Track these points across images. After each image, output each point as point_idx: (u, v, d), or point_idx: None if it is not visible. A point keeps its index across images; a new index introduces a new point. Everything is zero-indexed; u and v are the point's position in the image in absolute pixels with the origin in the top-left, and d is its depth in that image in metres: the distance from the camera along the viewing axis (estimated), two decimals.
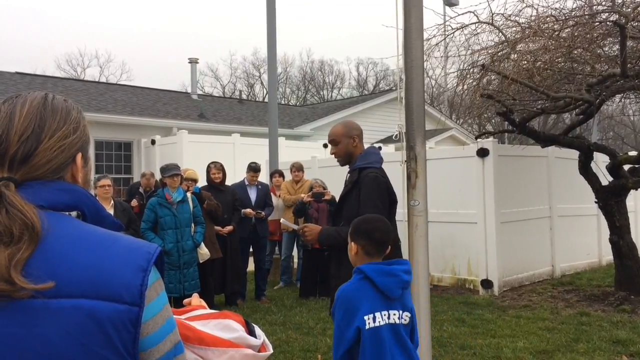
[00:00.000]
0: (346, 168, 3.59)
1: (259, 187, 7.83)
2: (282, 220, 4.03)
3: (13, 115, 1.04)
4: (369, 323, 2.39)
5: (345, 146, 3.44)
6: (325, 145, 13.33)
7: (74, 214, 1.05)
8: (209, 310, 1.38)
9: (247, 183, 7.79)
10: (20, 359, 0.90)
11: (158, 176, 7.94)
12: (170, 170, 6.24)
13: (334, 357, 2.50)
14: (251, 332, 1.35)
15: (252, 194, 7.71)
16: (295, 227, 3.79)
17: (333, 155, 3.53)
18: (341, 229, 3.25)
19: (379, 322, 2.41)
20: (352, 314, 2.41)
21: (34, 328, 0.91)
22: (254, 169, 7.79)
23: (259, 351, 1.32)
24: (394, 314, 2.46)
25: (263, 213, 7.57)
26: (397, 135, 6.08)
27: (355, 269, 2.52)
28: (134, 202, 7.77)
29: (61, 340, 0.91)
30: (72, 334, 0.92)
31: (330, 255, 3.51)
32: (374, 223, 2.61)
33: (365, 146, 3.67)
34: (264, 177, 10.12)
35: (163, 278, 1.06)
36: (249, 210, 7.45)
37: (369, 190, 3.26)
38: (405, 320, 2.50)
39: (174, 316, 1.09)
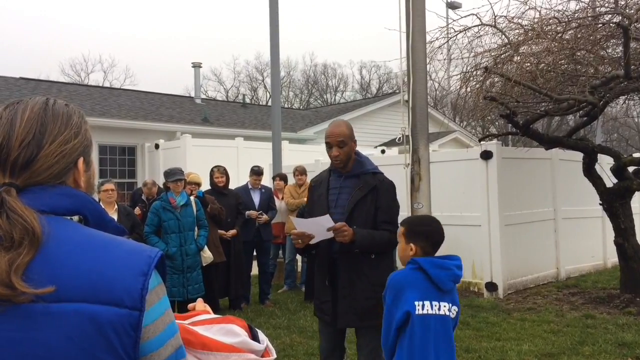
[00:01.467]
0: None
1: (262, 190, 7.84)
2: (293, 218, 3.58)
3: (14, 121, 1.04)
4: (418, 309, 2.50)
5: (350, 149, 3.28)
6: None
7: (75, 218, 1.05)
8: (212, 315, 1.38)
9: (250, 187, 7.80)
10: None
11: (161, 180, 7.96)
12: (174, 175, 6.24)
13: (383, 340, 2.64)
14: (254, 337, 1.35)
15: (256, 198, 7.72)
16: (332, 223, 3.28)
17: (335, 157, 3.26)
18: (374, 232, 3.16)
19: (428, 310, 2.51)
20: (402, 298, 2.54)
21: (34, 332, 0.91)
22: (256, 172, 7.79)
23: (262, 356, 1.32)
24: (445, 306, 2.55)
25: (266, 216, 7.56)
26: (399, 138, 6.09)
27: (410, 259, 2.63)
28: (137, 210, 7.76)
29: (62, 345, 0.92)
30: (72, 338, 0.92)
31: (338, 262, 3.24)
32: (432, 225, 2.75)
33: (365, 149, 3.62)
34: (267, 180, 10.14)
35: (165, 282, 1.06)
36: (252, 211, 7.46)
37: (392, 196, 3.30)
38: (453, 313, 2.59)
39: (177, 321, 1.09)
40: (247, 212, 7.40)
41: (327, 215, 3.13)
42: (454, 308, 2.61)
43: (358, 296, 3.16)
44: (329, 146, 3.30)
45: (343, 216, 3.20)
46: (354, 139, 3.34)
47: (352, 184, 3.29)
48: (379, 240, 3.16)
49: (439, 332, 2.52)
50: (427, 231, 2.70)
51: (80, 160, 1.09)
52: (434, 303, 2.53)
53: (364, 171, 3.29)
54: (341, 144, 3.24)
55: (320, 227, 3.14)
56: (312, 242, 3.22)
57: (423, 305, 2.51)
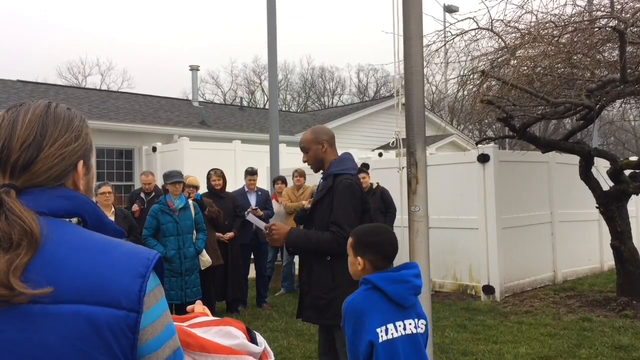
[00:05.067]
0: None
1: (259, 193, 7.85)
2: (249, 216, 3.88)
3: (16, 123, 1.05)
4: (381, 336, 2.22)
5: (315, 152, 3.38)
6: None
7: (74, 220, 1.06)
8: (210, 317, 1.38)
9: (246, 189, 7.81)
10: None
11: (159, 183, 7.95)
12: (172, 177, 6.25)
13: None
14: (252, 339, 1.35)
15: (252, 201, 7.72)
16: (263, 225, 3.51)
17: (304, 162, 3.48)
18: (310, 233, 3.27)
19: (393, 334, 2.23)
20: (362, 327, 2.24)
21: (32, 333, 0.92)
22: (250, 172, 7.83)
23: (260, 358, 1.33)
24: (410, 324, 2.28)
25: (260, 211, 7.49)
26: (393, 142, 6.10)
27: (362, 279, 2.36)
28: (135, 207, 7.77)
29: (59, 346, 0.92)
30: (70, 340, 0.93)
31: (299, 259, 3.49)
32: (383, 236, 2.43)
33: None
34: (265, 183, 10.14)
35: (163, 284, 1.06)
36: (250, 209, 7.42)
37: (342, 197, 3.21)
38: (421, 328, 2.33)
39: (175, 323, 1.09)
40: (244, 212, 7.38)
41: (251, 216, 3.73)
42: (422, 322, 2.33)
43: (313, 294, 3.29)
44: None
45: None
46: (320, 141, 3.39)
47: (321, 186, 3.44)
48: (315, 241, 3.21)
49: (410, 354, 2.24)
50: (377, 242, 2.37)
51: (80, 163, 1.10)
52: (398, 324, 2.24)
53: (328, 174, 3.37)
54: (304, 150, 3.43)
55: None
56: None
57: (387, 330, 2.21)
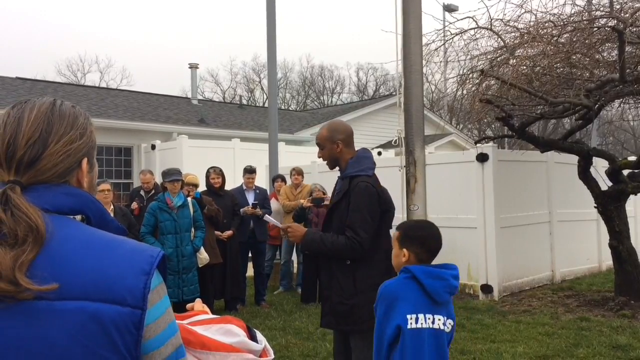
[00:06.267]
0: None
1: (257, 191, 7.86)
2: (265, 217, 3.90)
3: (21, 119, 1.06)
4: (411, 323, 2.32)
5: (330, 151, 3.29)
6: None
7: (78, 217, 1.06)
8: (211, 315, 1.39)
9: (244, 188, 7.81)
10: (23, 359, 0.92)
11: (158, 181, 7.95)
12: (171, 175, 6.24)
13: (375, 356, 2.42)
14: (253, 337, 1.36)
15: (250, 199, 7.73)
16: (279, 224, 3.58)
17: (319, 158, 3.42)
18: (326, 236, 3.17)
19: (422, 324, 2.33)
20: (394, 311, 2.34)
21: (37, 329, 0.92)
22: (249, 170, 7.83)
23: (260, 356, 1.33)
24: (439, 319, 2.37)
25: (259, 210, 7.50)
26: (396, 140, 6.11)
27: (402, 267, 2.46)
28: (134, 205, 7.77)
29: (64, 342, 0.93)
30: (75, 336, 0.93)
31: (320, 263, 3.42)
32: (428, 230, 2.54)
33: (373, 150, 3.57)
34: (264, 182, 10.14)
35: (166, 282, 1.07)
36: (247, 207, 7.43)
37: (358, 201, 3.12)
38: (448, 327, 2.41)
39: (176, 320, 1.10)
40: (241, 210, 7.40)
41: (268, 217, 3.80)
42: (449, 321, 2.42)
43: (333, 299, 3.19)
44: None
45: (327, 220, 3.33)
46: (335, 140, 3.27)
47: (338, 188, 3.34)
48: (329, 245, 3.12)
49: (432, 347, 2.33)
50: (422, 236, 2.49)
51: (84, 160, 1.11)
52: (428, 316, 2.34)
53: (344, 175, 3.28)
54: (320, 146, 3.35)
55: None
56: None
57: (416, 319, 2.32)
